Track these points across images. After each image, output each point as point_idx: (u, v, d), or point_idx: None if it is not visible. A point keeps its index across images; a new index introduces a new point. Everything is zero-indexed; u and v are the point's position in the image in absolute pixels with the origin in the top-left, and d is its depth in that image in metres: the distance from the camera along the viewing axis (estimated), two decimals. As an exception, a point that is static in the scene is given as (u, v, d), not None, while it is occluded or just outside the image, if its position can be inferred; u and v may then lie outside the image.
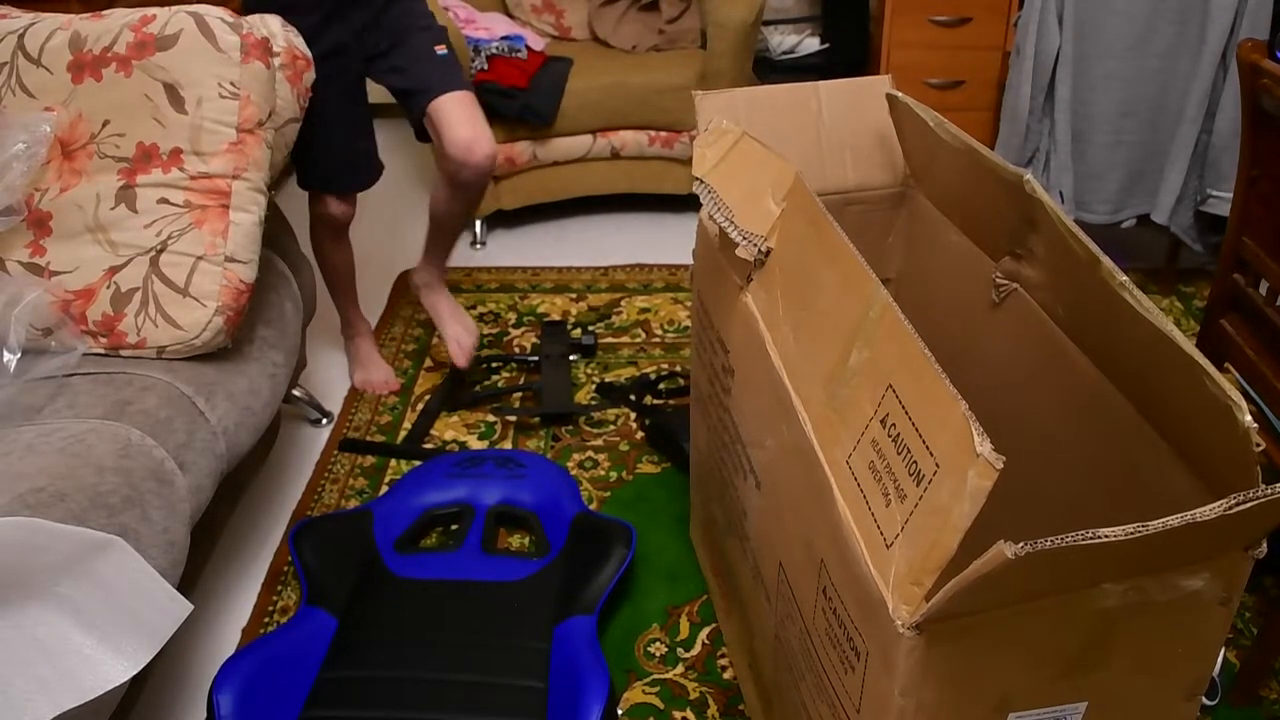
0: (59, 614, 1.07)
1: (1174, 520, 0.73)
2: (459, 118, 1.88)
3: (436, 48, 1.94)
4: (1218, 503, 0.73)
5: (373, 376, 2.23)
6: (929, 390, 0.87)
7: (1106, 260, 0.97)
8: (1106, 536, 0.72)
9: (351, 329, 2.25)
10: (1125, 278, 0.95)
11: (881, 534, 0.89)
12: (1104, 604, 0.85)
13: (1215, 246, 2.36)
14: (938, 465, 0.83)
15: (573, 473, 1.95)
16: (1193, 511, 0.73)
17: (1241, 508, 0.72)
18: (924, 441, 0.86)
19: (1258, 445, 0.80)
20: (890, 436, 0.91)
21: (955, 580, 0.76)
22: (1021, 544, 0.71)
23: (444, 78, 1.92)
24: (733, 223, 1.23)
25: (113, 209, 1.49)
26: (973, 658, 0.86)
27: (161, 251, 1.49)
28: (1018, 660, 0.88)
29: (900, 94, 1.41)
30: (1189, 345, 0.86)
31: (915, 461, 0.86)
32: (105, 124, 1.51)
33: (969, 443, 0.79)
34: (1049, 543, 0.72)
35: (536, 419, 2.11)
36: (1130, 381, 1.01)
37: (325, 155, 1.96)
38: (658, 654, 1.58)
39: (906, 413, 0.89)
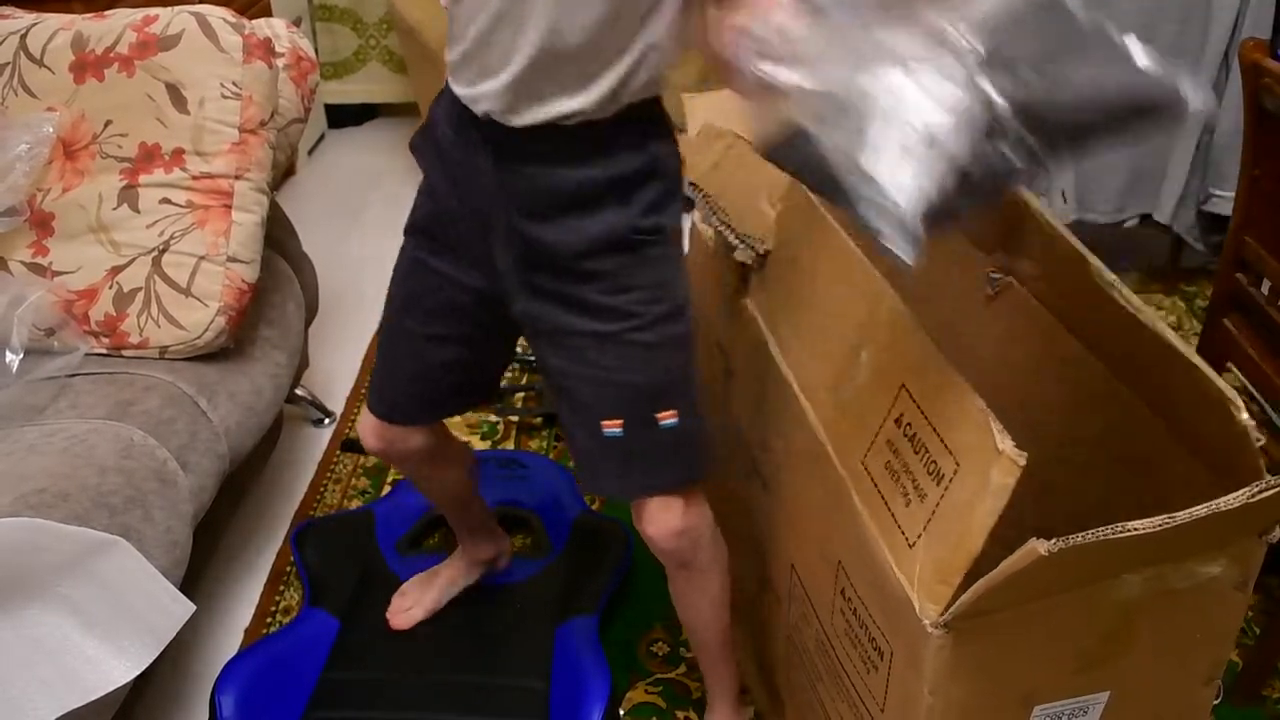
0: (61, 615, 1.07)
1: (1200, 510, 0.74)
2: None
3: (605, 424, 1.07)
4: (1240, 491, 0.75)
5: (407, 600, 1.57)
6: (945, 389, 0.87)
7: (1094, 259, 0.97)
8: (1136, 529, 0.73)
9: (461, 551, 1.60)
10: (1114, 277, 0.95)
11: (903, 534, 0.88)
12: (1125, 594, 0.86)
13: (1217, 246, 2.35)
14: (958, 464, 0.83)
15: (574, 473, 1.95)
16: (1217, 501, 0.74)
17: (1263, 495, 0.74)
18: (942, 440, 0.86)
19: (1258, 440, 0.80)
20: (906, 436, 0.91)
21: (986, 578, 0.77)
22: (1054, 540, 0.72)
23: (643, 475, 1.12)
24: (729, 226, 1.23)
25: (115, 209, 1.49)
26: (999, 653, 0.87)
27: (164, 251, 1.49)
28: (1042, 653, 0.88)
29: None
30: (1181, 343, 0.87)
31: (934, 461, 0.86)
32: (107, 124, 1.51)
33: (989, 440, 0.79)
34: (1080, 538, 0.72)
35: (539, 419, 2.11)
36: (1129, 373, 1.01)
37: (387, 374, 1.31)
38: (660, 654, 1.58)
39: (922, 412, 0.89)
